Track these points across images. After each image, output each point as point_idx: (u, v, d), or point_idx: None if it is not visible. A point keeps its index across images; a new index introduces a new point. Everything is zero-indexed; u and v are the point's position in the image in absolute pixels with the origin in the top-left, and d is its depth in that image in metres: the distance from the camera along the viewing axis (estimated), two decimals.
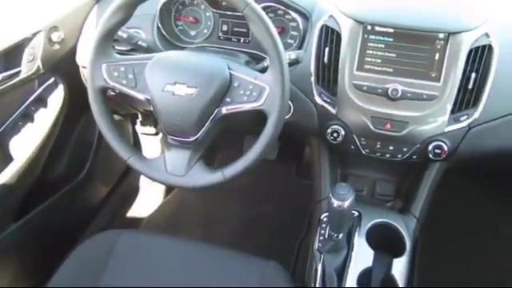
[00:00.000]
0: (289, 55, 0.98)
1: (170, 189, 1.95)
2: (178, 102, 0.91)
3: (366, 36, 1.03)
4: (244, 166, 0.93)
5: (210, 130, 0.95)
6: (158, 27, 1.19)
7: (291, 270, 1.57)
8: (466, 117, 1.01)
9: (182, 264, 1.09)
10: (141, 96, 0.96)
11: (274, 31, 0.87)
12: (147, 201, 1.91)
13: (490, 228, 1.73)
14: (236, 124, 1.10)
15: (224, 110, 0.93)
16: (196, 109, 0.91)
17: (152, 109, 0.96)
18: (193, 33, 1.24)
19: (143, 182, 1.93)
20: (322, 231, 1.13)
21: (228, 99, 0.92)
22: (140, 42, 1.08)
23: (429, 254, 1.62)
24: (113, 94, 1.20)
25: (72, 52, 1.29)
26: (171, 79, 0.92)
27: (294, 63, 1.00)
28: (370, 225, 1.13)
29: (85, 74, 1.29)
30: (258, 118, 0.94)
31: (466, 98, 1.01)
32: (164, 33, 1.20)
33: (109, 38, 0.97)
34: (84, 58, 1.27)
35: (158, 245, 1.14)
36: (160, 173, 0.98)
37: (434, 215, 1.65)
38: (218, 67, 0.92)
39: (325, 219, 1.14)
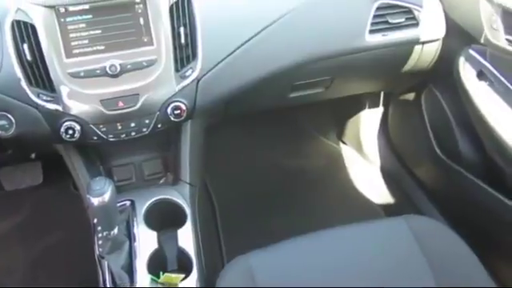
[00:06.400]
0: None
1: None
2: None
3: (62, 20, 0.95)
4: None
5: None
6: None
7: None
8: (191, 71, 1.02)
9: None
10: None
11: None
12: None
13: (272, 166, 1.86)
14: None
15: None
16: None
17: None
18: None
19: None
20: (100, 234, 1.05)
21: None
22: None
23: (228, 211, 1.67)
24: None
25: None
26: None
27: None
28: (145, 208, 1.09)
29: None
30: None
31: (185, 53, 1.02)
32: None
33: None
34: None
35: None
36: None
37: (219, 173, 1.70)
38: None
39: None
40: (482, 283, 0.93)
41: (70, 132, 0.99)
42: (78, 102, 0.98)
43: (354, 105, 1.76)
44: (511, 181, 1.13)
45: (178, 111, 1.03)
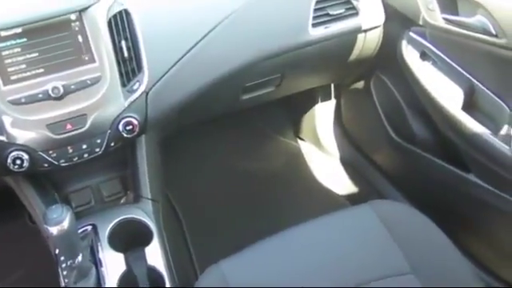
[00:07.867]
0: None
1: None
2: None
3: None
4: None
5: None
6: None
7: None
8: (138, 84, 1.00)
9: None
10: None
11: None
12: None
13: (232, 171, 1.84)
14: None
15: None
16: None
17: None
18: None
19: None
20: (63, 265, 1.00)
21: None
22: None
23: (194, 221, 1.64)
24: None
25: None
26: None
27: None
28: (108, 231, 1.05)
29: None
30: None
31: (130, 67, 0.99)
32: None
33: None
34: None
35: None
36: None
37: (179, 184, 1.67)
38: None
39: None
40: (455, 262, 0.94)
41: (18, 162, 0.94)
42: (23, 129, 0.93)
43: (307, 100, 1.77)
44: (466, 154, 1.16)
45: (130, 127, 1.00)
